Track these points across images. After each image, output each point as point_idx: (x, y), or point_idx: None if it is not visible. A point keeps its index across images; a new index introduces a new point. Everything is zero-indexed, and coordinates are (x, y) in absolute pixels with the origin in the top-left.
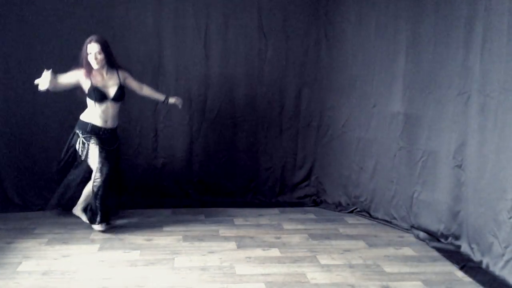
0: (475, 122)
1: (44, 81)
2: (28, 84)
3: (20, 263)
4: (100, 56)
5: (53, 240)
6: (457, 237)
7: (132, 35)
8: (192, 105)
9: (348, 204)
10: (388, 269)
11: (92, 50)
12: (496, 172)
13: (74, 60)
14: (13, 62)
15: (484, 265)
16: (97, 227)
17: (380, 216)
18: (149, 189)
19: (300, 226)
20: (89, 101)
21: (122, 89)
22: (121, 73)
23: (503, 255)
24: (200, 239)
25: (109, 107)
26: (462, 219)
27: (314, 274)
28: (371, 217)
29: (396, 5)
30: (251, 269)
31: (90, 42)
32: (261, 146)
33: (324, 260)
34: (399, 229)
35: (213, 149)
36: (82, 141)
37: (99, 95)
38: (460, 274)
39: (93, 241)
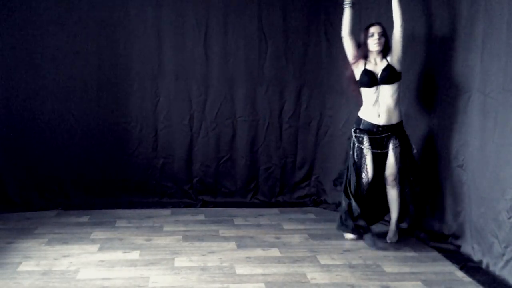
0: (476, 122)
1: None
2: (28, 84)
3: (20, 263)
4: (383, 39)
5: (53, 240)
6: (457, 237)
7: (132, 35)
8: (192, 105)
9: None
10: (388, 269)
11: (375, 31)
12: (496, 172)
13: (74, 60)
14: (13, 62)
15: (484, 265)
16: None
17: None
18: (149, 189)
19: (300, 226)
20: (362, 92)
21: (390, 69)
22: (388, 56)
23: (503, 255)
24: (200, 239)
25: (381, 95)
26: (463, 219)
27: (314, 274)
28: None
29: None
30: (251, 269)
31: (372, 24)
32: (261, 146)
33: (324, 260)
34: (399, 229)
35: (213, 149)
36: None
37: (369, 78)
38: (460, 274)
39: (93, 241)
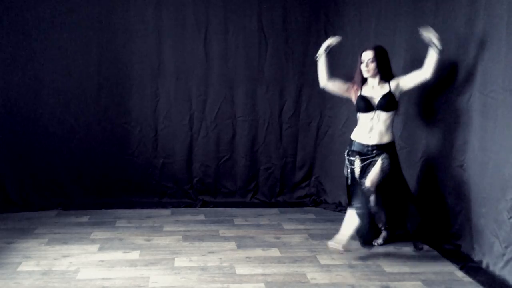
0: (476, 122)
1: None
2: (29, 84)
3: (20, 263)
4: (372, 65)
5: (53, 240)
6: (457, 237)
7: (132, 35)
8: (192, 105)
9: (348, 204)
10: (388, 269)
11: (365, 57)
12: (496, 172)
13: (74, 60)
14: (13, 63)
15: (484, 265)
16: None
17: None
18: (149, 189)
19: (300, 226)
20: (358, 114)
21: (389, 97)
22: (392, 83)
23: (503, 255)
24: (200, 239)
25: (375, 120)
26: (463, 219)
27: (314, 274)
28: None
29: (396, 5)
30: (251, 269)
31: (365, 50)
32: (261, 146)
33: (324, 260)
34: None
35: (213, 149)
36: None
37: (364, 104)
38: (460, 274)
39: (93, 241)
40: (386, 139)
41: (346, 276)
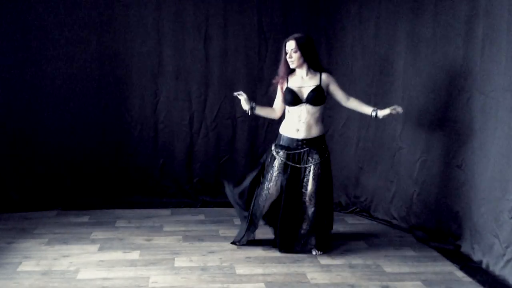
0: (475, 122)
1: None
2: (28, 84)
3: (20, 263)
4: (296, 55)
5: (53, 240)
6: (457, 237)
7: (132, 35)
8: (192, 105)
9: (348, 204)
10: (388, 269)
11: (288, 48)
12: (496, 172)
13: (74, 60)
14: (13, 62)
15: (484, 265)
16: None
17: (380, 216)
18: (149, 189)
19: None
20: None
21: (318, 91)
22: (324, 76)
23: (503, 255)
24: (200, 239)
25: (304, 112)
26: (462, 219)
27: (314, 274)
28: (371, 217)
29: (396, 5)
30: (251, 269)
31: (288, 40)
32: (261, 146)
33: (324, 260)
34: (399, 229)
35: (213, 149)
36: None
37: (291, 97)
38: (460, 274)
39: (93, 241)
40: (315, 132)
41: (346, 276)
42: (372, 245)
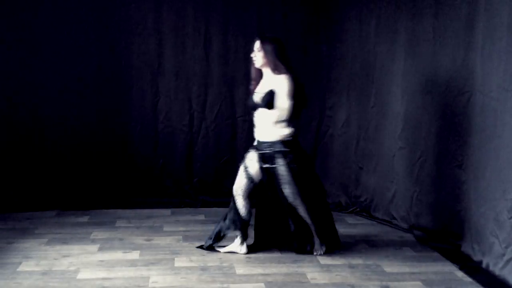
0: (475, 122)
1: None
2: (28, 83)
3: (20, 263)
4: (259, 54)
5: (53, 240)
6: (457, 237)
7: (132, 35)
8: (192, 105)
9: (348, 204)
10: (388, 269)
11: (254, 47)
12: (496, 172)
13: (74, 60)
14: (13, 61)
15: (484, 265)
16: None
17: (380, 216)
18: (149, 189)
19: None
20: None
21: (269, 96)
22: (279, 80)
23: (503, 255)
24: (200, 239)
25: (261, 116)
26: (462, 219)
27: (314, 274)
28: (371, 217)
29: (396, 5)
30: (251, 269)
31: (256, 38)
32: None
33: (324, 260)
34: (399, 229)
35: (213, 149)
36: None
37: (249, 101)
38: (460, 274)
39: (93, 241)
40: (273, 136)
41: (346, 276)
42: (372, 245)
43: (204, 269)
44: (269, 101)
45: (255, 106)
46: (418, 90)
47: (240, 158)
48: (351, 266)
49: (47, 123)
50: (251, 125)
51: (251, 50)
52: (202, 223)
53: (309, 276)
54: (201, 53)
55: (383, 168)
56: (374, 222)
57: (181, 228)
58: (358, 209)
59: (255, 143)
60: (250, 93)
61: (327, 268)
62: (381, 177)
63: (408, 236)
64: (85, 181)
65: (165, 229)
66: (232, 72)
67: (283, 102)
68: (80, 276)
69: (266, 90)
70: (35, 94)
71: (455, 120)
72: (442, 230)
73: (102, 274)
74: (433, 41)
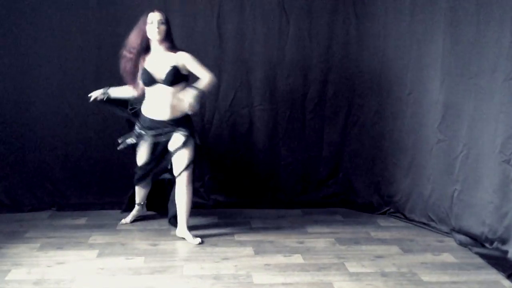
0: None
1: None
2: (22, 80)
3: (9, 271)
4: (163, 27)
5: (47, 245)
6: (504, 242)
7: (136, 13)
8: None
9: (380, 204)
10: (425, 278)
11: (155, 18)
12: None
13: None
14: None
15: None
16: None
17: (416, 218)
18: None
19: (325, 229)
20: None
21: (174, 72)
22: (180, 55)
23: None
24: (213, 244)
25: (164, 93)
26: (510, 221)
27: (341, 284)
28: (406, 219)
29: None
30: (270, 277)
31: (152, 11)
32: (281, 139)
33: (353, 267)
34: (437, 233)
35: (227, 142)
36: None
37: (147, 78)
38: (507, 283)
39: (91, 246)
40: (179, 112)
41: (378, 285)
42: (408, 251)
43: (217, 277)
44: (176, 76)
45: (153, 82)
46: (460, 75)
47: (258, 152)
48: (383, 275)
49: (40, 114)
50: (270, 115)
51: (270, 29)
52: (215, 226)
53: (336, 285)
54: (214, 32)
55: (419, 163)
56: (410, 224)
57: (191, 232)
58: (391, 210)
59: (146, 122)
60: (134, 65)
61: (356, 276)
62: (417, 174)
63: (448, 241)
64: (82, 179)
65: (172, 232)
66: (249, 55)
67: (203, 72)
68: (76, 285)
69: (167, 67)
70: (27, 89)
71: (501, 109)
72: (487, 234)
73: (101, 283)
74: (476, 20)
